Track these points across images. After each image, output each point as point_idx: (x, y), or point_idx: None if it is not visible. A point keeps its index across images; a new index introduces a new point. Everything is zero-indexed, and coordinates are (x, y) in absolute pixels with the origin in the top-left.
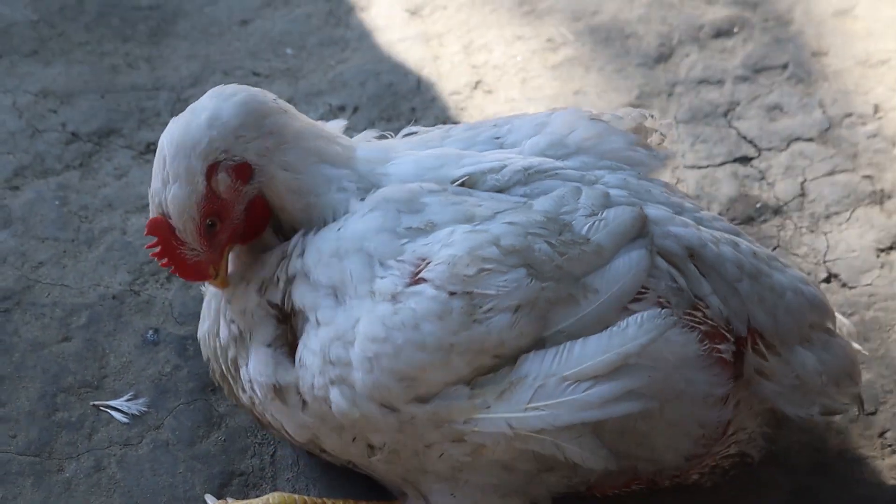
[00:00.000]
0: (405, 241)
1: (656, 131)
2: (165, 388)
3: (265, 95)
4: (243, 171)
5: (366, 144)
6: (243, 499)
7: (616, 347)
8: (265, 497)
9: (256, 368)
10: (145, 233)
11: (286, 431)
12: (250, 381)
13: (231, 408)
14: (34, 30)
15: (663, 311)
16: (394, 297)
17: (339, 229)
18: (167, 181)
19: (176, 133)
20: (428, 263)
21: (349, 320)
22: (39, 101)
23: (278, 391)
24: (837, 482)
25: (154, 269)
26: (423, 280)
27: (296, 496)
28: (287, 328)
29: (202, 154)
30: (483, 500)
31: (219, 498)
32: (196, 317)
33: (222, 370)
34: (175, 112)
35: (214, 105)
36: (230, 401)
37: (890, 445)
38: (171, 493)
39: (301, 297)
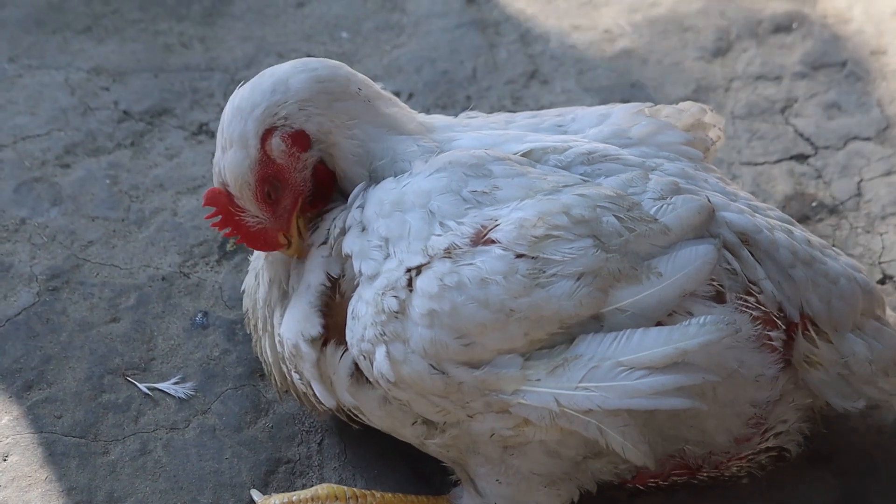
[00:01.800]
0: (468, 205)
1: (715, 126)
2: (213, 372)
3: (350, 80)
4: (300, 140)
5: (433, 118)
6: (289, 486)
7: (675, 342)
8: (313, 489)
9: (288, 325)
10: (203, 203)
11: (313, 394)
12: (280, 337)
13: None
14: (88, 6)
15: (728, 316)
16: (452, 256)
17: (404, 185)
18: (224, 147)
19: (238, 96)
20: (497, 225)
21: (401, 270)
22: (92, 79)
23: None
24: (888, 486)
25: (205, 251)
26: (492, 241)
27: (345, 488)
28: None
29: (258, 118)
30: (528, 489)
31: (265, 486)
32: None
33: (257, 322)
34: (228, 94)
35: (287, 72)
36: (256, 353)
37: None
38: (216, 479)
39: (351, 245)
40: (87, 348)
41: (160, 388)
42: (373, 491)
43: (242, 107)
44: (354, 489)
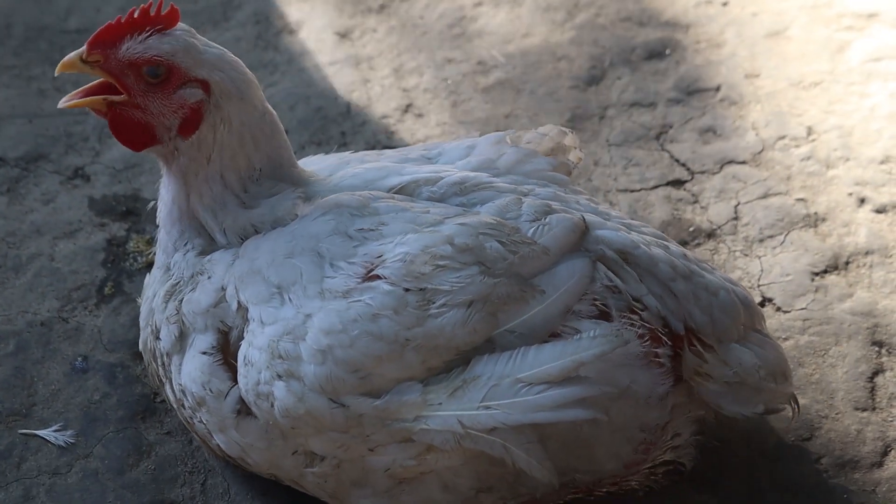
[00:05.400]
0: (356, 244)
1: (575, 148)
2: (94, 416)
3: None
4: (206, 86)
5: (309, 158)
6: None
7: (570, 355)
8: None
9: (190, 375)
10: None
11: (212, 440)
12: (181, 386)
13: (161, 436)
14: None
15: (617, 328)
16: (346, 294)
17: (291, 231)
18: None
19: None
20: (383, 261)
21: (298, 317)
22: None
23: (211, 400)
24: None
25: (83, 295)
26: (378, 276)
27: None
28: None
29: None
30: None
31: None
32: (125, 344)
33: (157, 371)
34: (103, 137)
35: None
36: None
37: (826, 471)
38: None
39: (248, 295)
40: None
41: (41, 435)
42: None
43: None
44: None
